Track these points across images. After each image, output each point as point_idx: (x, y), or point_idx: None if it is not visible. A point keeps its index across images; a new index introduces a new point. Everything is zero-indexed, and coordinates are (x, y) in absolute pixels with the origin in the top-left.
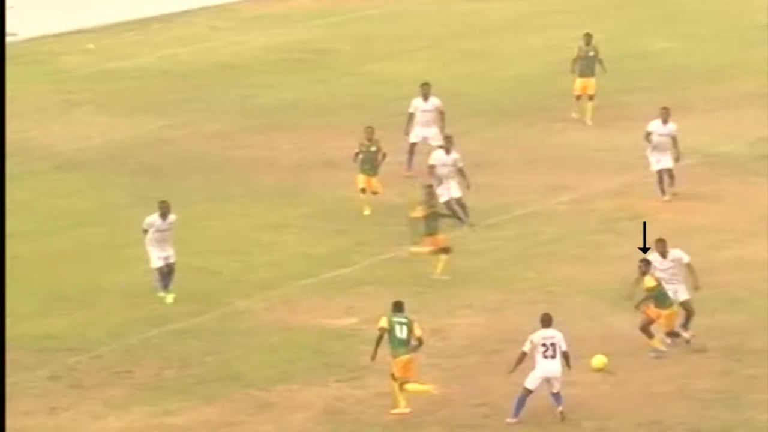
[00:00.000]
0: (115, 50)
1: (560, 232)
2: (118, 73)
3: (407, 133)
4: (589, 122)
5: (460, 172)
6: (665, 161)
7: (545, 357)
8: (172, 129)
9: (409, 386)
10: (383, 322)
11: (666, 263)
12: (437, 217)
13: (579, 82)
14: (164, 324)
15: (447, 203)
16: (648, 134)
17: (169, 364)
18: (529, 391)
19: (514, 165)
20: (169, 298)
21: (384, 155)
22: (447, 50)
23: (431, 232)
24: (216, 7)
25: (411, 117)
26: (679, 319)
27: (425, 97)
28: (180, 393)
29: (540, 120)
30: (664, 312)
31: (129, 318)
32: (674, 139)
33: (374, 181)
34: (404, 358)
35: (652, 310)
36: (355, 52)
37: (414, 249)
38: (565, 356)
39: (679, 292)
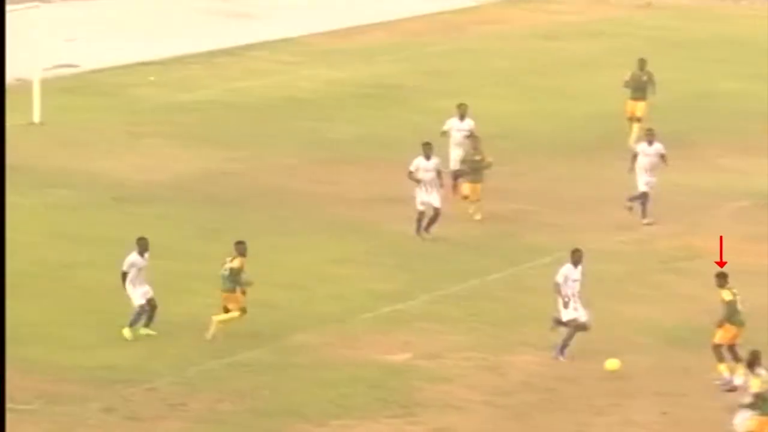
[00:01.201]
0: (179, 83)
1: (622, 271)
2: (184, 106)
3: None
4: (633, 144)
5: (439, 175)
6: (652, 183)
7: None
8: (238, 162)
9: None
10: (756, 386)
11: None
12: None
13: (630, 104)
14: (222, 357)
15: (422, 213)
16: (634, 156)
17: (225, 397)
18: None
19: (578, 203)
20: (147, 331)
21: (490, 164)
22: (514, 88)
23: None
24: (283, 40)
25: (444, 134)
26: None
27: (461, 117)
28: (235, 426)
29: (604, 157)
30: (734, 329)
31: (186, 350)
32: (662, 158)
33: (478, 188)
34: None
35: (727, 328)
36: (422, 88)
37: None
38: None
39: None
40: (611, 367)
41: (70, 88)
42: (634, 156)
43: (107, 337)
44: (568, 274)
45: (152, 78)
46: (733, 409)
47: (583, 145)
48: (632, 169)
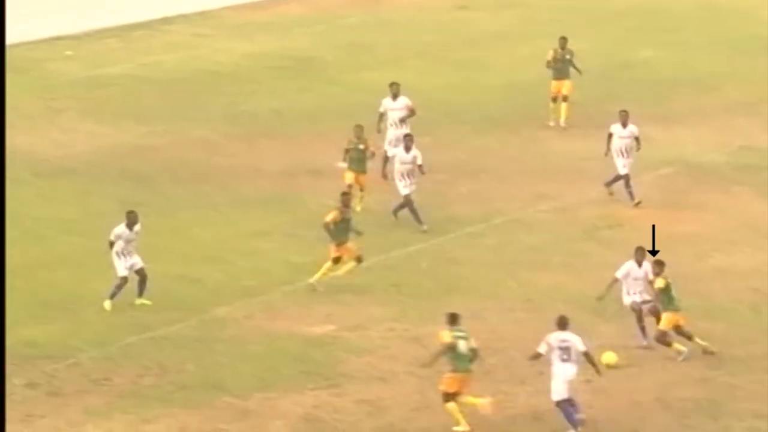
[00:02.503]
0: (96, 57)
1: (542, 241)
2: (101, 81)
3: (378, 131)
4: (563, 124)
5: (420, 168)
6: (629, 164)
7: (562, 361)
8: (156, 136)
9: (465, 399)
10: (446, 337)
11: (640, 272)
12: (348, 224)
13: (554, 84)
14: (144, 331)
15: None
16: (609, 136)
17: (148, 371)
18: (567, 400)
19: (498, 173)
20: (144, 300)
21: (373, 153)
22: (434, 59)
23: (342, 240)
24: (199, 14)
25: (381, 116)
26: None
27: (394, 96)
28: (159, 401)
29: (525, 128)
30: (671, 315)
31: (108, 326)
32: (637, 140)
33: (362, 178)
34: (464, 374)
35: (668, 315)
36: (341, 60)
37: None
38: (587, 356)
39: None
40: (608, 361)
41: None
42: (609, 136)
43: (29, 314)
44: (631, 271)
45: (69, 52)
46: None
47: (504, 117)
48: (608, 152)
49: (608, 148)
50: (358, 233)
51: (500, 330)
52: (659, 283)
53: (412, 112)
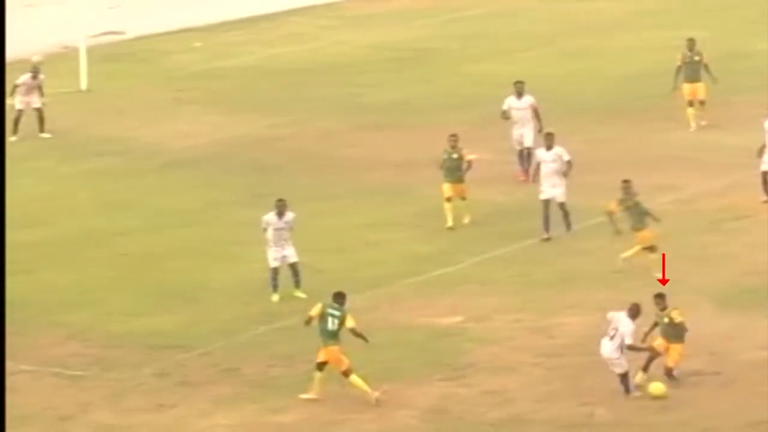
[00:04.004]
0: (222, 49)
1: (666, 232)
2: (226, 72)
3: (506, 118)
4: (704, 123)
5: (568, 165)
6: None
7: (610, 338)
8: (279, 127)
9: (353, 379)
10: (316, 310)
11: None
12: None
13: (687, 87)
14: (272, 322)
15: (546, 203)
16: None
17: (277, 361)
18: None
19: (620, 164)
20: (299, 293)
21: (469, 163)
22: (551, 49)
23: (636, 227)
24: (322, 6)
25: (504, 114)
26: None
27: (519, 95)
28: (287, 390)
29: (645, 119)
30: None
31: (237, 315)
32: None
33: (461, 188)
34: (334, 348)
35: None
36: (459, 52)
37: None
38: (630, 347)
39: None
40: (656, 392)
41: (115, 55)
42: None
43: (156, 304)
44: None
45: (198, 44)
46: None
47: (623, 107)
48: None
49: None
50: (656, 219)
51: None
52: (677, 316)
53: (536, 112)
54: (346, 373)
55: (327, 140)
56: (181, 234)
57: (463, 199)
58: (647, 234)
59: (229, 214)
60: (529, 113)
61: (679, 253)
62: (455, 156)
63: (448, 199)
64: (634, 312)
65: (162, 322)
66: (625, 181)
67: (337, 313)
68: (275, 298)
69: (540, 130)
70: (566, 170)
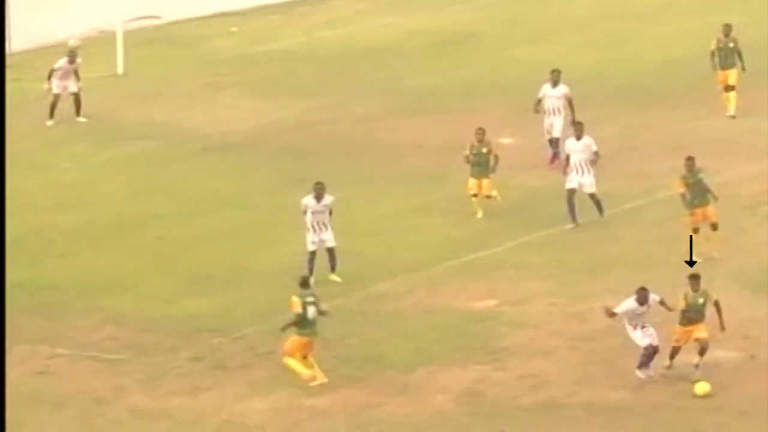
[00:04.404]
0: (260, 33)
1: None
2: (264, 57)
3: (536, 111)
4: (733, 113)
5: (596, 155)
6: None
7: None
8: (317, 112)
9: (292, 362)
10: (297, 306)
11: (641, 309)
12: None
13: (720, 73)
14: None
15: (571, 192)
16: None
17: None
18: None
19: (657, 149)
20: (334, 277)
21: (497, 157)
22: (592, 34)
23: (699, 204)
24: None
25: (539, 102)
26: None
27: (554, 84)
28: (324, 374)
29: (683, 103)
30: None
31: (273, 299)
32: None
33: (486, 183)
34: (309, 338)
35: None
36: (499, 36)
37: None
38: (662, 303)
39: None
40: (701, 391)
41: (151, 39)
42: None
43: (193, 288)
44: (632, 309)
45: (234, 29)
46: None
47: (661, 92)
48: None
49: None
50: (715, 198)
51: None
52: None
53: (570, 102)
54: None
55: (364, 125)
56: (218, 218)
57: (488, 197)
58: (711, 210)
59: (267, 199)
60: (562, 102)
61: (718, 236)
62: (484, 150)
63: (474, 195)
64: (643, 297)
65: (198, 306)
66: (689, 159)
67: (311, 299)
68: (311, 282)
69: (573, 121)
70: (594, 160)
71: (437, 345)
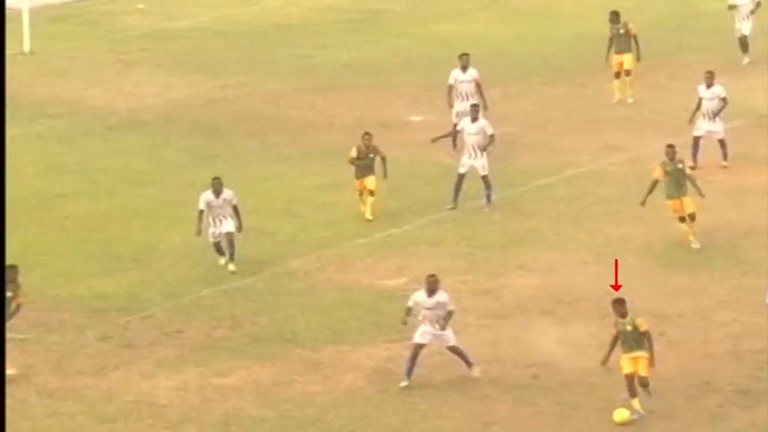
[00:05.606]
0: (169, 11)
1: (613, 193)
2: (173, 33)
3: (450, 105)
4: (630, 100)
5: (491, 138)
6: (711, 127)
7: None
8: (227, 89)
9: None
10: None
11: (430, 302)
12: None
13: (615, 58)
14: (216, 284)
15: (461, 177)
16: (699, 100)
17: (221, 324)
18: None
19: (568, 125)
20: (230, 266)
21: (383, 157)
22: (502, 10)
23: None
24: None
25: (451, 89)
26: None
27: (464, 68)
28: (231, 353)
29: (594, 80)
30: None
31: (182, 278)
32: (724, 101)
33: (367, 181)
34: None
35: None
36: (409, 13)
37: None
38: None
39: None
40: (619, 418)
41: (59, 16)
42: (699, 100)
43: (101, 267)
44: (420, 301)
45: (141, 6)
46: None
47: (573, 68)
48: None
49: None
50: (702, 196)
51: (571, 283)
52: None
53: (479, 86)
54: None
55: (276, 102)
56: (128, 196)
57: (371, 194)
58: (687, 201)
59: (177, 176)
60: (473, 87)
61: (628, 213)
62: (371, 155)
63: (361, 193)
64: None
65: (106, 285)
66: (670, 146)
67: (9, 294)
68: (222, 261)
69: (484, 106)
70: (488, 144)
71: (348, 323)
